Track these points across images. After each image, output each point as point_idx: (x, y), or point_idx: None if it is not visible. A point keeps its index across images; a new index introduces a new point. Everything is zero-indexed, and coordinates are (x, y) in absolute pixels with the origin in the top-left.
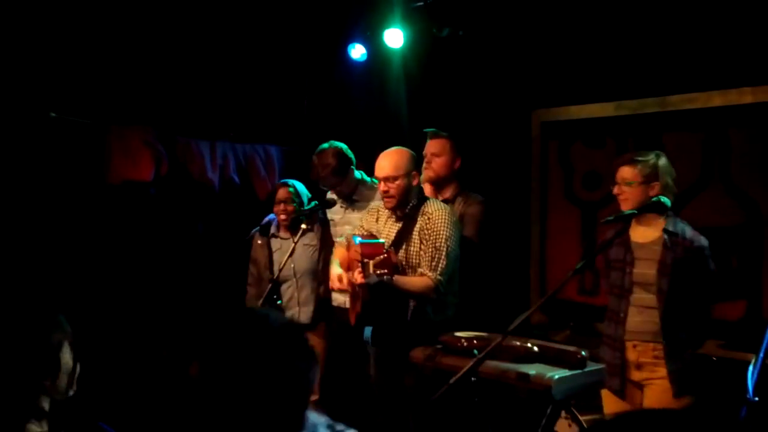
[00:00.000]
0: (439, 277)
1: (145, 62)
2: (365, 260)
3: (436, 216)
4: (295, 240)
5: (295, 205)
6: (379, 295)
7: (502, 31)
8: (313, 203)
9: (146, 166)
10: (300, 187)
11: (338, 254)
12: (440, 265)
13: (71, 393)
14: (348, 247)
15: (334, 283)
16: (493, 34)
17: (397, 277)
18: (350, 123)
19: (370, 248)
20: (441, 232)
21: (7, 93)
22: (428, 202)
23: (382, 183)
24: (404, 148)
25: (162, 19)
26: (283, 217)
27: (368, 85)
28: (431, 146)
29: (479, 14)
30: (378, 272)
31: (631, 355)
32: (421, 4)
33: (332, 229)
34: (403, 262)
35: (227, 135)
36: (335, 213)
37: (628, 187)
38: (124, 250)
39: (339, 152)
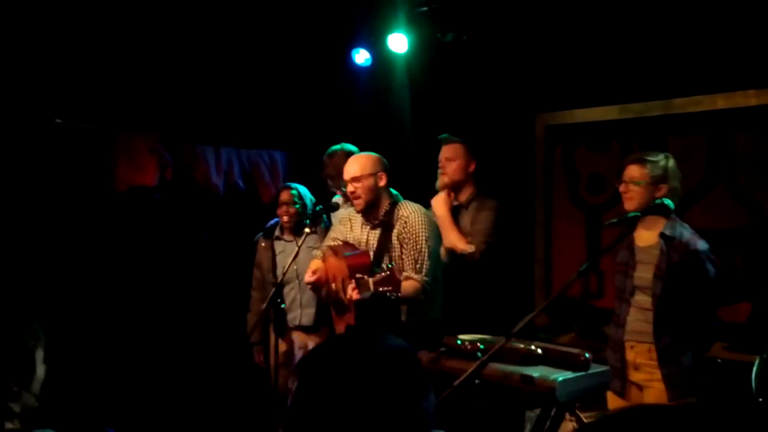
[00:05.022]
0: (425, 278)
1: (150, 68)
2: (365, 277)
3: (413, 219)
4: (299, 243)
5: (297, 207)
6: (373, 309)
7: (505, 36)
8: (318, 207)
9: (151, 172)
10: (303, 190)
11: (314, 266)
12: (424, 266)
13: (36, 404)
14: (324, 258)
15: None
16: (497, 39)
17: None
18: (354, 128)
19: (355, 259)
20: (420, 234)
21: (12, 99)
22: (401, 204)
23: (349, 185)
24: (371, 153)
25: (167, 26)
26: (286, 219)
27: (372, 90)
28: (445, 151)
29: (483, 19)
30: (381, 289)
31: (629, 355)
32: (425, 9)
33: None
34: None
35: (232, 140)
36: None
37: (636, 186)
38: (130, 256)
39: (349, 154)
